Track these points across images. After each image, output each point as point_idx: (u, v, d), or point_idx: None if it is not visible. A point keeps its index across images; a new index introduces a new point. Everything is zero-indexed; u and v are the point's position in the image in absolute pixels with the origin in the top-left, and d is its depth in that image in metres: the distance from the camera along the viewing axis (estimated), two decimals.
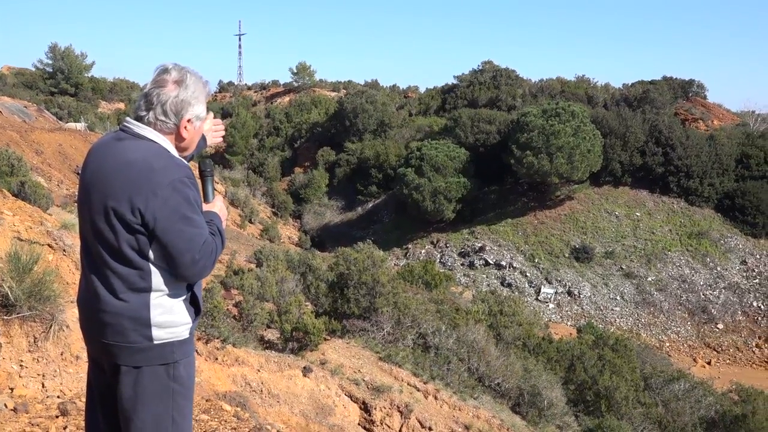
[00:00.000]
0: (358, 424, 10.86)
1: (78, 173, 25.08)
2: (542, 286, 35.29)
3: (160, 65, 2.81)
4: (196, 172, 3.09)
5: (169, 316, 2.74)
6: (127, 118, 2.82)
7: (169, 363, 2.76)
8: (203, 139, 3.19)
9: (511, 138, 38.65)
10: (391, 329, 14.26)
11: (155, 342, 2.71)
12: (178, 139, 2.82)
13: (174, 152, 2.80)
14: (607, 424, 14.73)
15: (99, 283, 2.69)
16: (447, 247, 38.45)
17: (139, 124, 2.76)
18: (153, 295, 2.69)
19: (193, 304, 2.87)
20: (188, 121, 2.80)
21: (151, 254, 2.65)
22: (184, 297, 2.80)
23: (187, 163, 2.83)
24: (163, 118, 2.75)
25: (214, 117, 3.20)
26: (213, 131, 3.31)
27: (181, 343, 2.79)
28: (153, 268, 2.67)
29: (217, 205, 3.00)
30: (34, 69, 61.79)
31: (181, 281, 2.75)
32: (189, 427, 2.93)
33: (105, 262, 2.67)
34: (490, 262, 36.70)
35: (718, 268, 35.80)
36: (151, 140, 2.74)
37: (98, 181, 2.68)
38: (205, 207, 2.91)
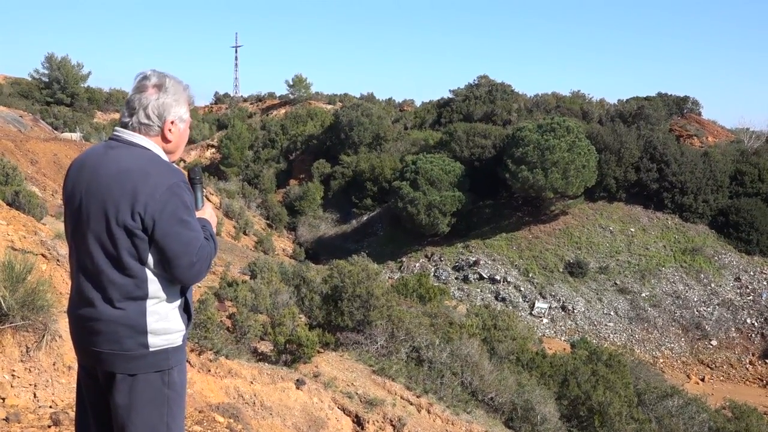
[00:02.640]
0: None
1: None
2: (536, 301, 35.27)
3: (140, 73, 2.87)
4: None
5: (164, 323, 2.76)
6: (116, 128, 2.85)
7: (164, 370, 2.78)
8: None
9: (506, 152, 38.73)
10: (384, 342, 14.21)
11: (151, 349, 2.73)
12: (164, 141, 2.86)
13: (166, 158, 2.84)
14: None
15: (95, 293, 2.70)
16: (441, 260, 38.44)
17: (129, 131, 2.80)
18: (149, 302, 2.72)
19: (186, 311, 2.90)
20: (172, 122, 2.84)
21: (150, 260, 2.68)
22: (178, 304, 2.83)
23: (181, 169, 2.85)
24: (146, 122, 2.79)
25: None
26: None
27: (175, 349, 2.82)
28: (150, 275, 2.70)
29: (207, 211, 3.04)
30: (30, 79, 61.79)
31: (177, 285, 2.78)
32: None
33: (101, 272, 2.68)
34: (485, 276, 36.67)
35: (712, 285, 35.84)
36: (144, 147, 2.78)
37: (95, 190, 2.69)
38: (196, 214, 2.94)
